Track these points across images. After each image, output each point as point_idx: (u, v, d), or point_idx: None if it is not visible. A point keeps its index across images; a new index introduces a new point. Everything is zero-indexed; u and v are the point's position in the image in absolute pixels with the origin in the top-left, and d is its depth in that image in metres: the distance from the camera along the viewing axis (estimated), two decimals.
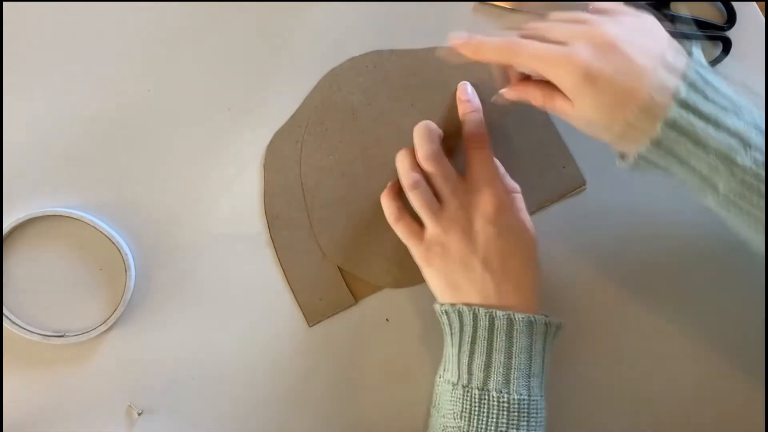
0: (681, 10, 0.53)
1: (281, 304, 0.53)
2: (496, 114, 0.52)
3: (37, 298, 0.53)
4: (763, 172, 0.38)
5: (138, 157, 0.52)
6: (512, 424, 0.44)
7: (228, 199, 0.53)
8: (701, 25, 0.52)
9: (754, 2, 0.53)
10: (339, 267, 0.53)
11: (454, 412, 0.45)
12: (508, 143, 0.53)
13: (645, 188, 0.54)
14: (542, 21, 0.44)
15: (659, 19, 0.43)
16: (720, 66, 0.53)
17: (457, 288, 0.47)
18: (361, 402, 0.54)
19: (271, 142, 0.53)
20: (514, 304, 0.46)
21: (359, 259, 0.53)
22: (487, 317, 0.45)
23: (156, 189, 0.53)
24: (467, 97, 0.51)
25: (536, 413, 0.45)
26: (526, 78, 0.46)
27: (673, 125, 0.39)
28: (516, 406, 0.44)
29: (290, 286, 0.53)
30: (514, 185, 0.50)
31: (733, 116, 0.39)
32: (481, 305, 0.45)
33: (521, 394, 0.44)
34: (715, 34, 0.52)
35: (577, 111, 0.42)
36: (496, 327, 0.45)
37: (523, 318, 0.45)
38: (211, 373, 0.54)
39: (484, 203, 0.47)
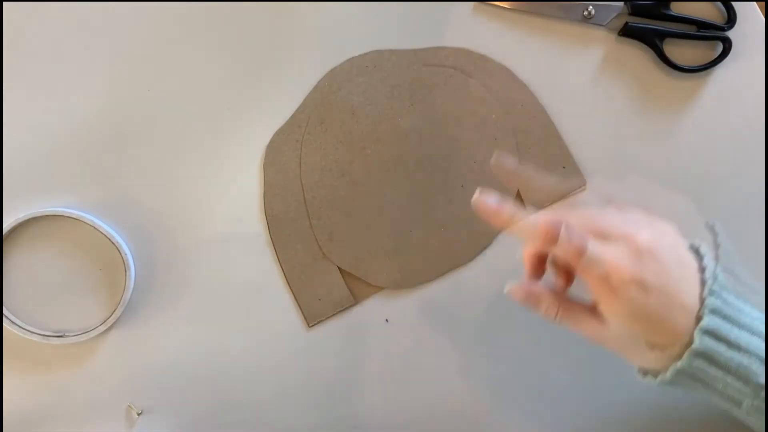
0: (681, 10, 0.53)
1: (281, 304, 0.53)
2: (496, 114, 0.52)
3: (37, 298, 0.53)
4: None
5: (138, 157, 0.52)
6: None
7: (228, 199, 0.53)
8: (701, 25, 0.52)
9: (754, 2, 0.53)
10: (339, 267, 0.53)
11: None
12: (508, 143, 0.53)
13: (645, 188, 0.54)
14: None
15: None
16: (720, 66, 0.53)
17: None
18: (361, 402, 0.54)
19: (271, 141, 0.53)
20: None
21: (359, 259, 0.53)
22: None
23: (156, 189, 0.53)
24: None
25: None
26: (539, 270, 0.44)
27: (699, 354, 0.39)
28: None
29: (290, 286, 0.53)
30: None
31: (750, 335, 0.39)
32: None
33: None
34: (715, 34, 0.52)
35: (611, 330, 0.40)
36: None
37: None
38: (210, 373, 0.54)
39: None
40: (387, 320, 0.54)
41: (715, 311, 0.39)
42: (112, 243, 0.51)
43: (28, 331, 0.52)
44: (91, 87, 0.52)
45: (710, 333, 0.38)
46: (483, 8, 0.53)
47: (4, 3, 0.51)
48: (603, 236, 0.40)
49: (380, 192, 0.53)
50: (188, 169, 0.53)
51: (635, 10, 0.52)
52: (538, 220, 0.40)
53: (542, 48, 0.53)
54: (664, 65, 0.53)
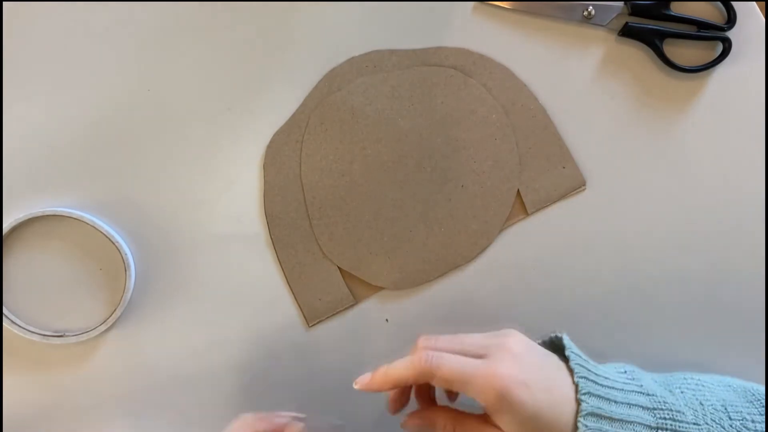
0: (681, 10, 0.53)
1: (281, 304, 0.53)
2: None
3: (37, 298, 0.53)
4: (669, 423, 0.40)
5: (138, 157, 0.52)
6: None
7: (228, 199, 0.53)
8: (701, 25, 0.52)
9: (754, 2, 0.53)
10: (339, 267, 0.53)
11: None
12: (508, 143, 0.53)
13: (645, 188, 0.54)
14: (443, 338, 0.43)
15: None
16: (720, 66, 0.53)
17: None
18: (361, 402, 0.54)
19: (271, 142, 0.53)
20: None
21: (359, 259, 0.53)
22: None
23: (156, 189, 0.53)
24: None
25: None
26: (430, 402, 0.45)
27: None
28: None
29: (290, 286, 0.53)
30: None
31: (622, 393, 0.41)
32: None
33: None
34: (715, 34, 0.52)
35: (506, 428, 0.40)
36: None
37: None
38: (210, 373, 0.54)
39: None
40: (387, 320, 0.54)
41: (590, 393, 0.40)
42: (112, 243, 0.51)
43: (28, 331, 0.52)
44: (91, 87, 0.52)
45: (592, 415, 0.39)
46: (483, 8, 0.53)
47: (4, 3, 0.51)
48: (473, 354, 0.41)
49: (380, 192, 0.53)
50: (188, 169, 0.53)
51: (635, 10, 0.52)
52: (411, 360, 0.41)
53: (542, 48, 0.53)
54: (664, 65, 0.53)
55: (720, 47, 0.53)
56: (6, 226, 0.51)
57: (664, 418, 0.41)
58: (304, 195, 0.53)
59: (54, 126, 0.52)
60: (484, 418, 0.42)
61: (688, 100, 0.53)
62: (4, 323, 0.52)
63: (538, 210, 0.54)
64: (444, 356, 0.40)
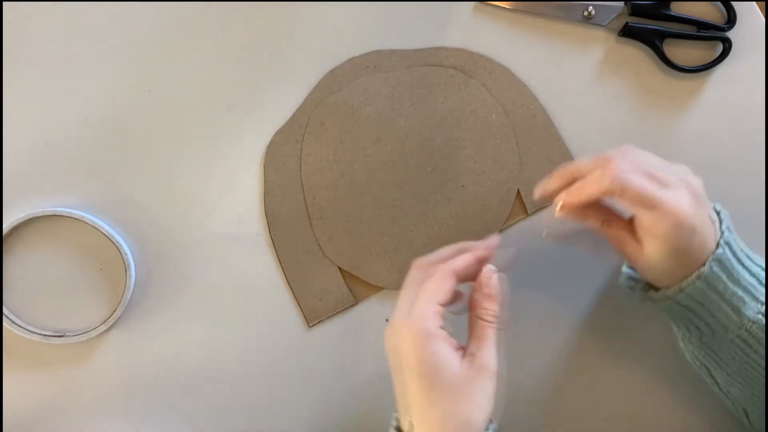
0: (681, 10, 0.53)
1: (281, 304, 0.53)
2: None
3: (37, 298, 0.53)
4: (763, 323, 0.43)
5: (138, 157, 0.52)
6: None
7: (228, 199, 0.53)
8: (701, 25, 0.52)
9: (754, 2, 0.53)
10: (339, 267, 0.53)
11: None
12: (508, 143, 0.53)
13: None
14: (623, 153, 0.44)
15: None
16: (720, 66, 0.53)
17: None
18: (361, 402, 0.54)
19: (272, 141, 0.53)
20: None
21: (359, 259, 0.53)
22: None
23: (156, 189, 0.53)
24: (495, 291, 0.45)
25: None
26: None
27: (705, 277, 0.43)
28: None
29: (290, 286, 0.53)
30: None
31: (750, 275, 0.44)
32: None
33: None
34: (715, 34, 0.52)
35: (645, 255, 0.43)
36: None
37: None
38: (210, 373, 0.54)
39: None
40: (387, 320, 0.54)
41: (728, 244, 0.43)
42: (112, 243, 0.51)
43: (28, 331, 0.52)
44: (92, 87, 0.52)
45: (719, 262, 0.43)
46: (483, 8, 0.53)
47: (4, 3, 0.51)
48: (660, 181, 0.42)
49: (380, 192, 0.53)
50: (188, 169, 0.53)
51: (635, 10, 0.52)
52: (603, 175, 0.42)
53: (542, 48, 0.53)
54: (664, 65, 0.53)
55: (720, 47, 0.53)
56: (6, 226, 0.51)
57: None
58: (304, 195, 0.53)
59: (54, 126, 0.52)
60: (630, 229, 0.44)
61: (688, 100, 0.53)
62: (4, 323, 0.52)
63: (538, 210, 0.54)
64: (636, 178, 0.42)
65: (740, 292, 0.43)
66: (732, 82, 0.53)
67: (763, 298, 0.44)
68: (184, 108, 0.52)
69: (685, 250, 0.42)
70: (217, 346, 0.53)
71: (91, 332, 0.52)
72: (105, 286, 0.53)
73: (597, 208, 0.45)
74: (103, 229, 0.51)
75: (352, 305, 0.54)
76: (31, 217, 0.51)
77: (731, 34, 0.52)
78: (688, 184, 0.43)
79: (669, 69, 0.53)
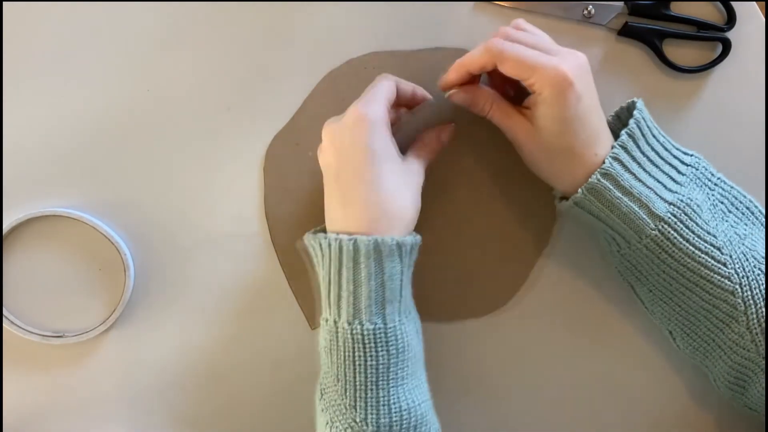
0: (681, 10, 0.53)
1: (284, 306, 0.53)
2: None
3: (37, 298, 0.53)
4: (670, 229, 0.44)
5: (138, 157, 0.52)
6: (370, 355, 0.42)
7: (228, 200, 0.53)
8: (701, 25, 0.52)
9: (754, 2, 0.53)
10: None
11: (323, 348, 0.45)
12: (508, 143, 0.53)
13: None
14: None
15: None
16: (720, 66, 0.53)
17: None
18: None
19: (271, 143, 0.53)
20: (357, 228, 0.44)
21: None
22: (334, 246, 0.43)
23: (156, 189, 0.53)
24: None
25: (396, 340, 0.43)
26: (473, 82, 0.48)
27: (593, 191, 0.44)
28: (370, 335, 0.42)
29: (292, 288, 0.53)
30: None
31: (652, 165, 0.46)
32: (336, 232, 0.44)
33: (375, 323, 0.43)
34: (714, 34, 0.52)
35: (535, 127, 0.44)
36: (343, 254, 0.43)
37: (369, 241, 0.42)
38: (211, 374, 0.54)
39: None
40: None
41: (623, 147, 0.44)
42: (112, 243, 0.51)
43: (28, 331, 0.52)
44: (92, 87, 0.52)
45: (606, 174, 0.44)
46: (483, 7, 0.53)
47: (4, 3, 0.51)
48: (542, 50, 0.44)
49: None
50: (188, 170, 0.53)
51: (635, 10, 0.52)
52: (484, 46, 0.44)
53: None
54: (663, 65, 0.53)
55: (720, 47, 0.53)
56: (6, 226, 0.51)
57: (678, 209, 0.44)
58: (305, 196, 0.53)
59: (54, 126, 0.52)
60: (522, 111, 0.46)
61: (687, 100, 0.53)
62: (4, 323, 0.52)
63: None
64: (516, 45, 0.44)
65: (635, 206, 0.44)
66: (732, 83, 0.53)
67: (670, 198, 0.44)
68: (183, 108, 0.52)
69: (570, 120, 0.43)
70: (216, 347, 0.53)
71: (90, 332, 0.52)
72: (104, 286, 0.53)
73: (485, 93, 0.47)
74: (102, 229, 0.51)
75: None
76: (30, 217, 0.51)
77: (731, 35, 0.52)
78: (575, 56, 0.44)
79: (668, 69, 0.53)
